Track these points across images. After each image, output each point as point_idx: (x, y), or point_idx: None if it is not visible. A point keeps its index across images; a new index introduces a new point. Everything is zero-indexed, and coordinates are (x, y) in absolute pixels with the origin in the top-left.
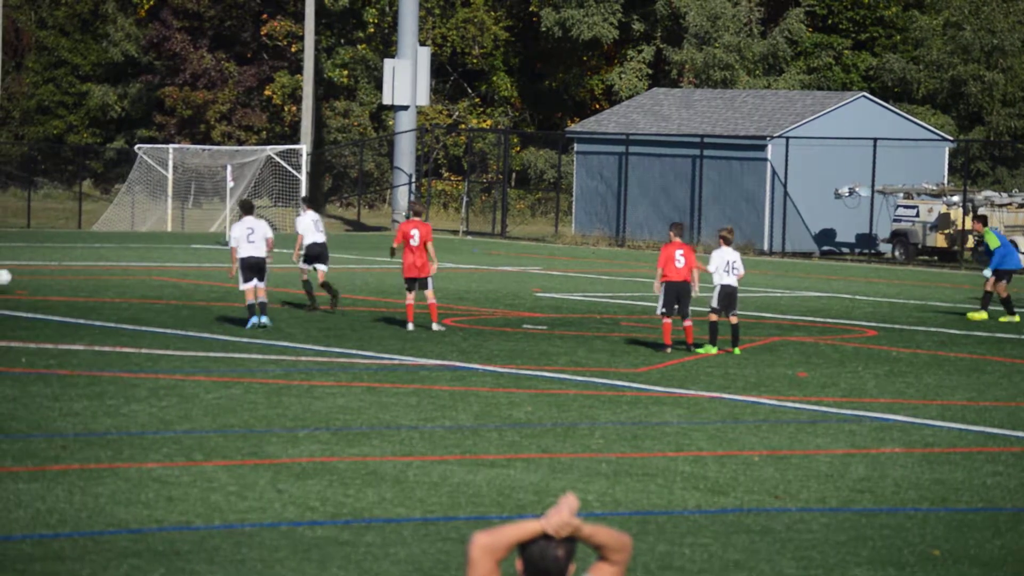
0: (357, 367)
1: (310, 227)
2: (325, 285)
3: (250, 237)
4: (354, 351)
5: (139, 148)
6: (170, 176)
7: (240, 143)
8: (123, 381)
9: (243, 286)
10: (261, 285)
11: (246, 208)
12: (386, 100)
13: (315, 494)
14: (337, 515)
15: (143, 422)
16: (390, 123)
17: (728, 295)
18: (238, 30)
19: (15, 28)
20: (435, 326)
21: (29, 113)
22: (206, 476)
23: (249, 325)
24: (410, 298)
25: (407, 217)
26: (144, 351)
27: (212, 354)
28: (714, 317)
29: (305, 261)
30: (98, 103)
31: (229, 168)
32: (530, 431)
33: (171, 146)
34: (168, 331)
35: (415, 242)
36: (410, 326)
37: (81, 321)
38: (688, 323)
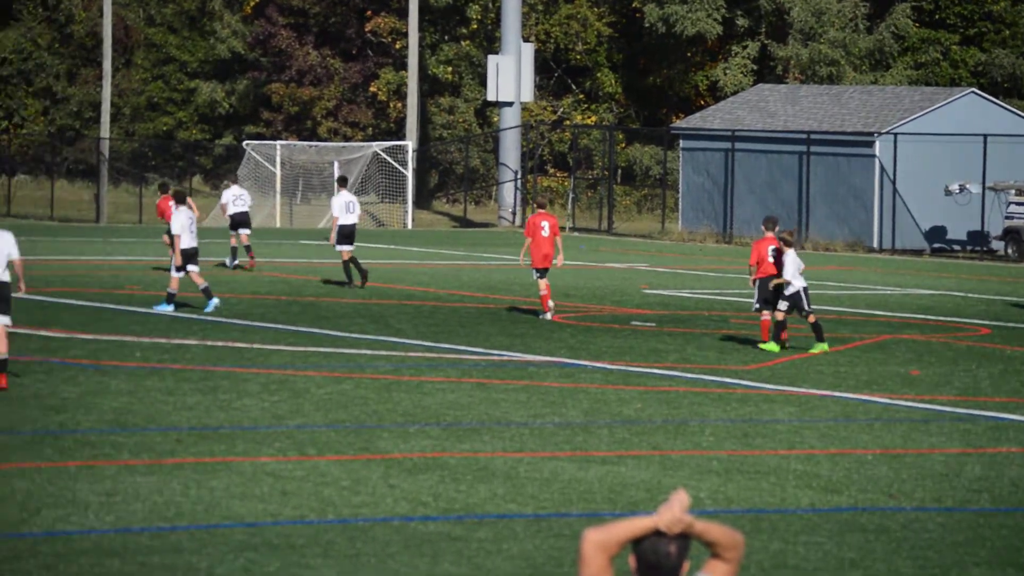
0: (466, 363)
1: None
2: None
3: (191, 227)
4: (463, 347)
5: (247, 144)
6: (278, 172)
7: (346, 139)
8: (235, 376)
9: (177, 274)
10: (197, 269)
11: (180, 198)
12: (490, 96)
13: (427, 489)
14: (449, 510)
15: (255, 416)
16: (495, 119)
17: (794, 297)
18: (343, 27)
19: (124, 25)
20: (549, 315)
21: (139, 110)
22: (319, 471)
23: (161, 310)
24: (543, 286)
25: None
26: (255, 346)
27: (322, 349)
28: (780, 316)
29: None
30: (206, 99)
31: (336, 164)
32: (640, 428)
33: (278, 142)
34: (278, 326)
35: (546, 233)
36: (547, 316)
37: (193, 316)
38: (766, 317)
